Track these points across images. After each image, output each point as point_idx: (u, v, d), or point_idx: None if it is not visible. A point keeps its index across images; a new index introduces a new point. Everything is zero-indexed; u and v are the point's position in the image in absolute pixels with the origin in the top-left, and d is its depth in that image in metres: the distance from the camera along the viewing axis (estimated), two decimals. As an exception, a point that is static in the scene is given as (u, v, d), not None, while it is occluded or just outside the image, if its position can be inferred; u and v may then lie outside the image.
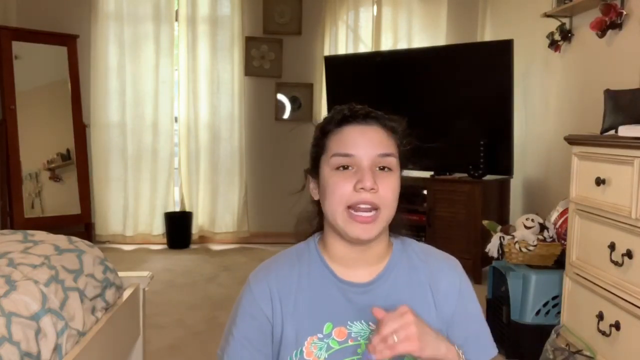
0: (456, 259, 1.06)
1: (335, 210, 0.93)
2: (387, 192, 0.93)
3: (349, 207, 0.92)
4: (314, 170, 1.00)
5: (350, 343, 0.95)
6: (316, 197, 1.01)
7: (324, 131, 0.98)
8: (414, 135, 1.02)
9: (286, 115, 4.81)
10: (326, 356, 0.94)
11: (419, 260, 1.02)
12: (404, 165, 1.00)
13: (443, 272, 1.02)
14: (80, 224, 4.44)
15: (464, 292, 1.02)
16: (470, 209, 3.54)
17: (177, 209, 4.75)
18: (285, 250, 1.06)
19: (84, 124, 4.49)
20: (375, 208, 0.92)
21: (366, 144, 0.93)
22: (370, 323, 0.96)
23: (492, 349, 1.03)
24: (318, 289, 0.98)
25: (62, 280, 1.48)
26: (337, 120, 0.97)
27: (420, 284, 1.00)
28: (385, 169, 0.94)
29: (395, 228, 1.03)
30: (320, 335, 0.96)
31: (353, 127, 0.95)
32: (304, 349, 0.95)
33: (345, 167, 0.94)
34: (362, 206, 0.91)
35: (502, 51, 3.52)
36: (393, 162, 0.95)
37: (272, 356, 0.99)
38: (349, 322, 0.96)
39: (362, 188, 0.91)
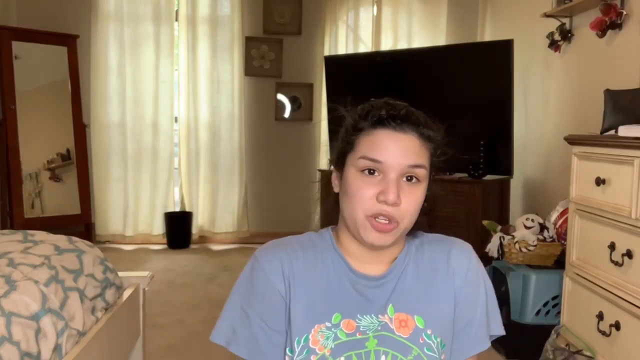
0: (469, 245, 1.03)
1: (355, 214, 0.90)
2: (410, 205, 0.90)
3: (369, 215, 0.89)
4: (339, 163, 0.96)
5: (358, 336, 0.93)
6: (337, 190, 0.98)
7: (356, 128, 0.93)
8: (451, 144, 0.97)
9: (286, 115, 4.81)
10: (332, 346, 0.91)
11: (429, 250, 1.00)
12: (433, 173, 0.96)
13: (451, 257, 0.99)
14: (80, 224, 4.45)
15: (472, 276, 0.99)
16: (470, 209, 3.53)
17: (177, 209, 4.75)
18: (296, 235, 1.02)
19: (84, 124, 4.49)
20: (395, 221, 0.89)
21: (397, 153, 0.89)
22: (379, 316, 0.94)
23: (484, 342, 1.00)
24: (330, 278, 0.96)
25: (62, 280, 1.49)
26: (373, 120, 0.91)
27: (429, 274, 0.98)
28: (413, 180, 0.91)
29: (414, 230, 1.00)
30: (328, 324, 0.93)
31: (387, 132, 0.90)
32: (310, 336, 0.92)
33: (371, 172, 0.90)
34: (382, 217, 0.89)
35: (502, 51, 3.51)
36: (422, 173, 0.91)
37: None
38: (358, 315, 0.94)
39: (384, 201, 0.88)
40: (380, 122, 0.91)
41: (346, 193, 0.92)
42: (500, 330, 1.03)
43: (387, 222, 0.89)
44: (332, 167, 1.01)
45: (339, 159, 0.96)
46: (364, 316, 0.94)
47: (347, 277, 0.96)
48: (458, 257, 1.00)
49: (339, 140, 0.97)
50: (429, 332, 0.94)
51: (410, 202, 0.90)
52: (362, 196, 0.89)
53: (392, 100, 0.95)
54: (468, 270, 0.99)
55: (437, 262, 0.99)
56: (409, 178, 0.91)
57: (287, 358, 0.94)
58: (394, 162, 0.89)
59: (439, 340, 0.94)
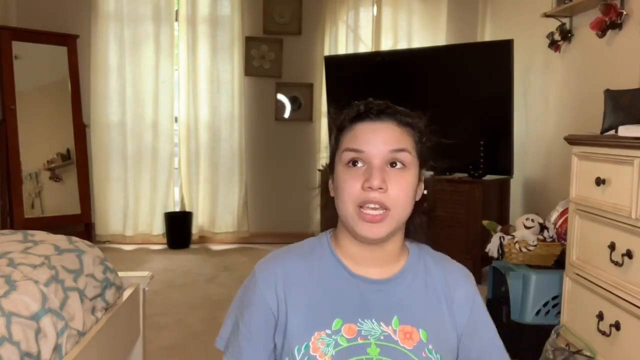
0: (469, 271, 1.06)
1: (345, 208, 0.92)
2: (398, 191, 0.91)
3: (358, 205, 0.91)
4: (331, 165, 0.99)
5: (359, 341, 0.92)
6: (332, 193, 0.99)
7: (339, 128, 0.97)
8: (435, 131, 0.99)
9: (286, 115, 4.81)
10: (333, 353, 0.91)
11: (436, 267, 1.01)
12: (424, 162, 0.98)
13: (459, 282, 1.01)
14: (80, 224, 4.45)
15: (477, 304, 1.01)
16: (470, 209, 3.54)
17: (177, 209, 4.75)
18: (294, 243, 1.04)
19: (84, 124, 4.49)
20: (384, 208, 0.90)
21: (377, 141, 0.92)
22: (381, 322, 0.94)
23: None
24: (329, 283, 0.96)
25: (62, 280, 1.49)
26: (351, 117, 0.95)
27: (435, 290, 0.99)
28: (397, 165, 0.92)
29: (414, 234, 1.02)
30: (328, 331, 0.92)
31: (366, 124, 0.94)
32: (310, 343, 0.92)
33: (355, 163, 0.92)
34: (371, 205, 0.90)
35: (502, 51, 3.52)
36: (407, 157, 0.93)
37: (277, 347, 0.96)
38: (359, 320, 0.94)
39: (369, 187, 0.89)
40: (359, 117, 0.95)
41: (337, 190, 0.95)
42: None
43: (377, 208, 0.90)
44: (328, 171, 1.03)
45: (331, 161, 0.99)
46: (365, 320, 0.94)
47: (346, 280, 0.96)
48: (460, 286, 1.01)
49: (328, 145, 1.01)
50: (430, 347, 0.94)
51: (398, 187, 0.91)
52: (349, 188, 0.91)
53: (374, 100, 0.98)
54: (474, 302, 1.01)
55: (440, 283, 1.00)
56: (393, 164, 0.92)
57: None
58: (375, 150, 0.91)
59: (438, 356, 0.94)
